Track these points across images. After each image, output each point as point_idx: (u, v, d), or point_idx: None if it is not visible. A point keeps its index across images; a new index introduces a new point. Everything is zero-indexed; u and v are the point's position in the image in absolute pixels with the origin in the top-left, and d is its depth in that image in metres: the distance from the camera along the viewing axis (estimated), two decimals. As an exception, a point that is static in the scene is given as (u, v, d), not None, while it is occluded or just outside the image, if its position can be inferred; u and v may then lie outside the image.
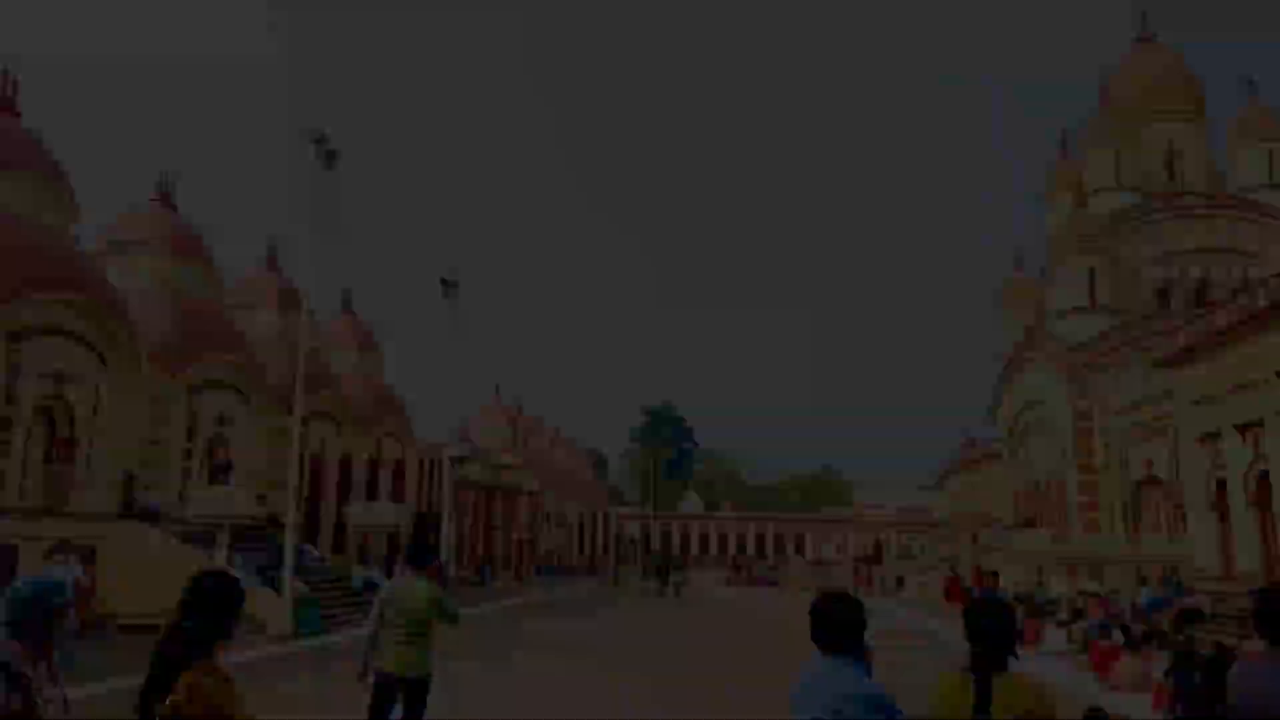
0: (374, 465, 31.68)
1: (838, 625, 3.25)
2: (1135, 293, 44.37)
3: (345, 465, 31.80)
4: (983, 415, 54.19)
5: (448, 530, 28.78)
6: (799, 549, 77.26)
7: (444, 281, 28.02)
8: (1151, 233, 44.86)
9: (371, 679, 6.75)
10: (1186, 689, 10.24)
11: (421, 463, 31.90)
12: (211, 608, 3.17)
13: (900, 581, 46.74)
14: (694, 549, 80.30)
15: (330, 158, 19.30)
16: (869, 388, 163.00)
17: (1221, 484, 27.79)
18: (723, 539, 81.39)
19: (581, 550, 60.70)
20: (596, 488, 75.86)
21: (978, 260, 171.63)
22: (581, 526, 61.87)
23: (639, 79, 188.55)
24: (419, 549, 7.69)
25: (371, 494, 30.90)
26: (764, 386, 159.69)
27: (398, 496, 30.71)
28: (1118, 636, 15.72)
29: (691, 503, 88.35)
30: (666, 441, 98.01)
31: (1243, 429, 26.40)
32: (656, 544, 72.23)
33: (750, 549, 77.31)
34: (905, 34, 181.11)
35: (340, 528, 29.89)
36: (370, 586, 20.54)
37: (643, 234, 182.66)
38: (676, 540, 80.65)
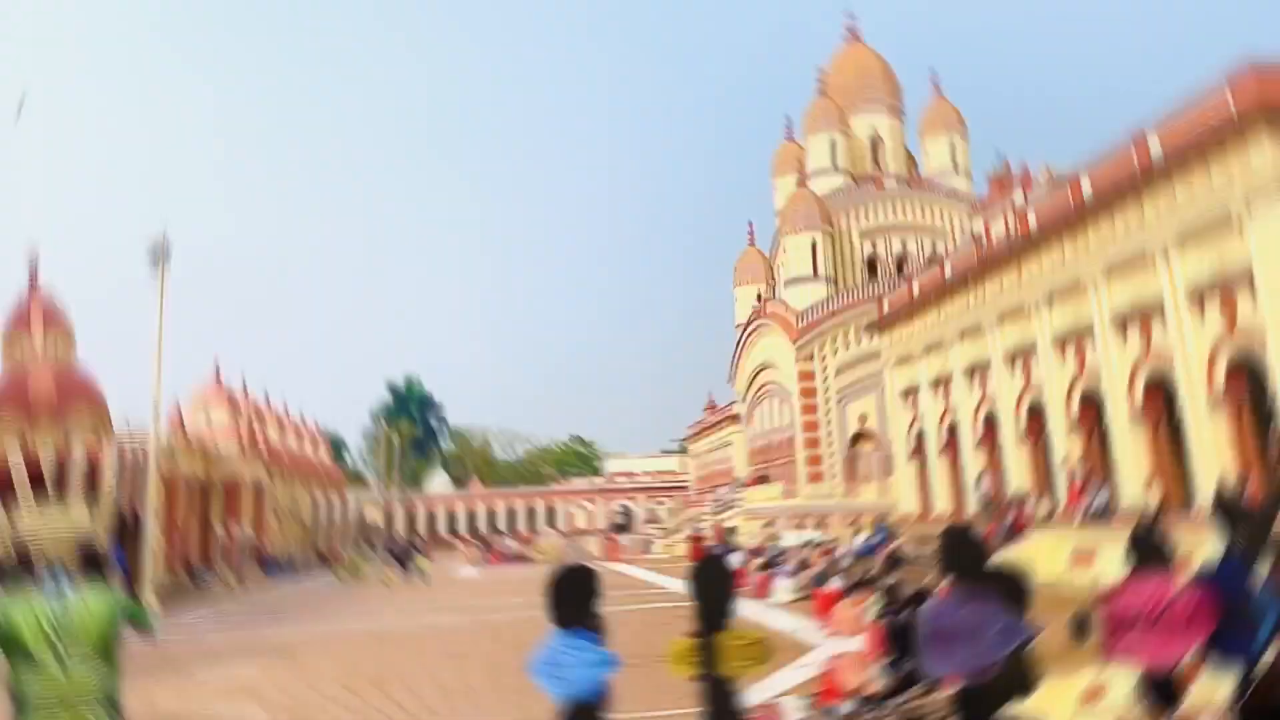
0: (62, 461, 27.81)
1: (569, 600, 3.40)
2: (851, 264, 48.50)
3: (26, 462, 27.69)
4: (724, 380, 57.20)
5: (152, 532, 25.79)
6: (551, 521, 77.99)
7: (153, 250, 24.75)
8: (860, 211, 49.20)
9: None
10: (892, 628, 10.90)
11: (122, 456, 28.37)
12: None
13: (648, 545, 48.21)
14: (443, 528, 78.73)
15: (19, 107, 16.37)
16: (618, 357, 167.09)
17: (921, 435, 30.93)
18: (472, 516, 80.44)
19: (317, 541, 57.41)
20: (334, 472, 72.04)
21: (722, 234, 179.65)
22: (318, 515, 58.46)
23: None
24: (88, 555, 6.46)
25: (60, 495, 27.14)
26: (513, 359, 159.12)
27: (92, 496, 27.17)
28: (837, 583, 16.76)
29: (440, 481, 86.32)
30: (412, 419, 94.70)
31: (935, 385, 29.48)
32: (402, 528, 70.00)
33: (503, 524, 76.98)
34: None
35: (18, 536, 26.05)
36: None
37: (373, 204, 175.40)
38: (424, 521, 78.62)
